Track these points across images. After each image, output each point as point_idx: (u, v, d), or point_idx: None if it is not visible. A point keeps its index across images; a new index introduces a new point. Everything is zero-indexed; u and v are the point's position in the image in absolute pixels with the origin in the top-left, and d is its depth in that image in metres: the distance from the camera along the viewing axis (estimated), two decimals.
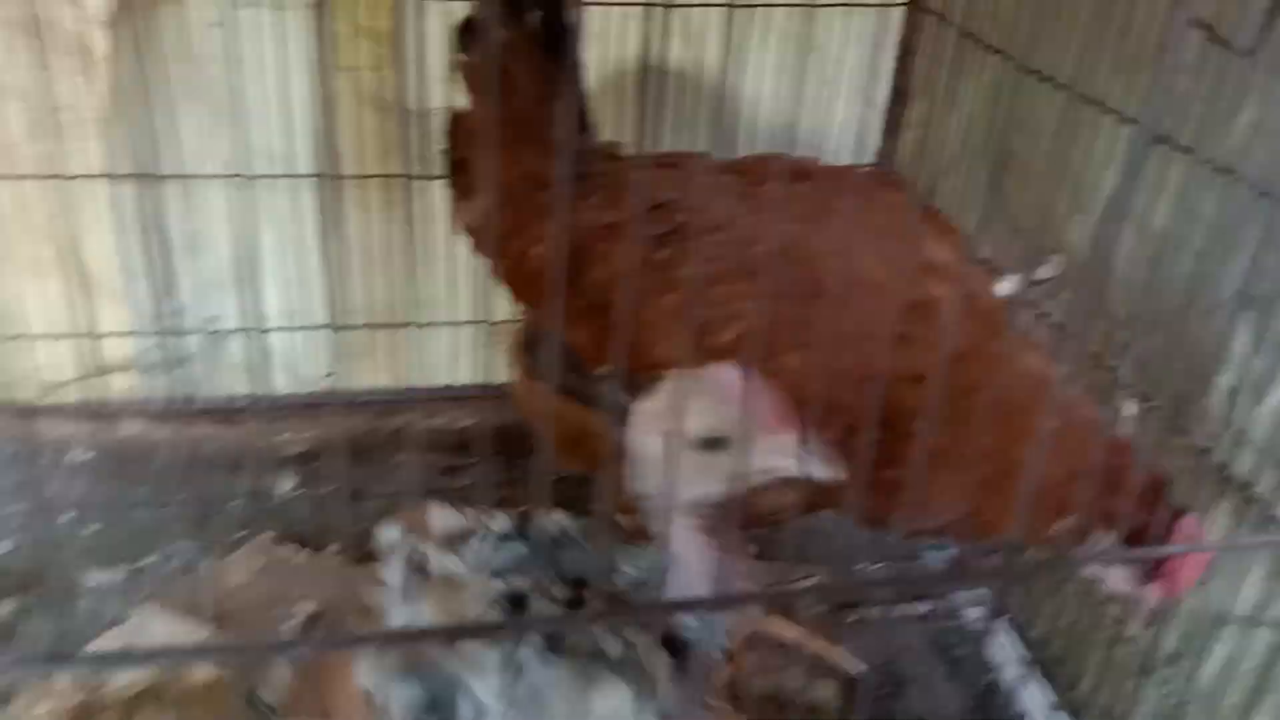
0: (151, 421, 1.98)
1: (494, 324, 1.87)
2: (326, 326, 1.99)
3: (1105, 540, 1.00)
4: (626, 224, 1.16)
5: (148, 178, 1.82)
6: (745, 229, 1.11)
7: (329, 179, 1.84)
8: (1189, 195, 1.26)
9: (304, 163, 1.88)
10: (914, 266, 1.09)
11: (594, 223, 1.18)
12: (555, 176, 1.21)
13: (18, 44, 1.75)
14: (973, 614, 1.72)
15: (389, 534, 1.20)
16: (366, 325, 1.98)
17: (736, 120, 1.96)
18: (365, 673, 0.93)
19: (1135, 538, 0.98)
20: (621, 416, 1.15)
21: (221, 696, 1.35)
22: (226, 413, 2.01)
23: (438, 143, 1.48)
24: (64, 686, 1.39)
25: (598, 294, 1.16)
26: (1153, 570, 1.00)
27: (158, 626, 1.52)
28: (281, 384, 2.05)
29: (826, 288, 1.05)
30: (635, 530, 1.31)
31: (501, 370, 2.01)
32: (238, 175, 1.83)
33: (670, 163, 1.27)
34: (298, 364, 2.04)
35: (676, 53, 1.91)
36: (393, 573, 1.17)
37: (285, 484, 1.92)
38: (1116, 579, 1.04)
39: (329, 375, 2.04)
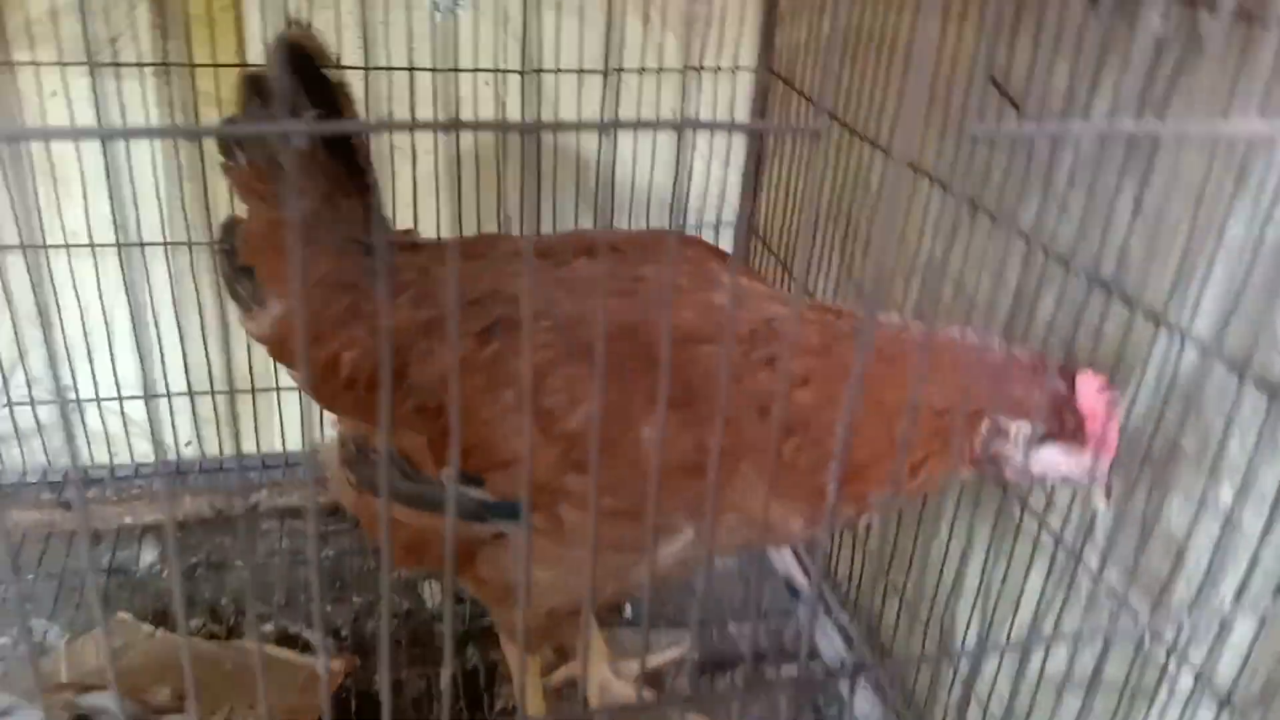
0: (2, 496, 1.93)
1: None
2: (182, 394, 1.96)
3: (1026, 432, 1.03)
4: (442, 320, 1.15)
5: None
6: (566, 312, 1.11)
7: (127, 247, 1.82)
8: (997, 260, 1.31)
9: (151, 232, 1.84)
10: (719, 304, 1.11)
11: (409, 322, 1.16)
12: (371, 277, 1.21)
13: None
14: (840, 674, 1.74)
15: None
16: (227, 391, 1.95)
17: (606, 184, 1.97)
18: None
19: (1053, 417, 1.02)
20: (471, 515, 1.13)
21: None
22: (85, 484, 1.96)
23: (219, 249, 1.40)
24: None
25: (425, 396, 1.14)
26: (1079, 437, 1.02)
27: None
28: (142, 452, 2.02)
29: (657, 353, 1.04)
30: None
31: None
32: (88, 245, 1.79)
33: (477, 251, 1.26)
34: (156, 432, 2.00)
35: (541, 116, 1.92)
36: None
37: (146, 557, 1.88)
38: (1055, 466, 1.05)
39: (188, 444, 2.01)
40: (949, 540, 1.48)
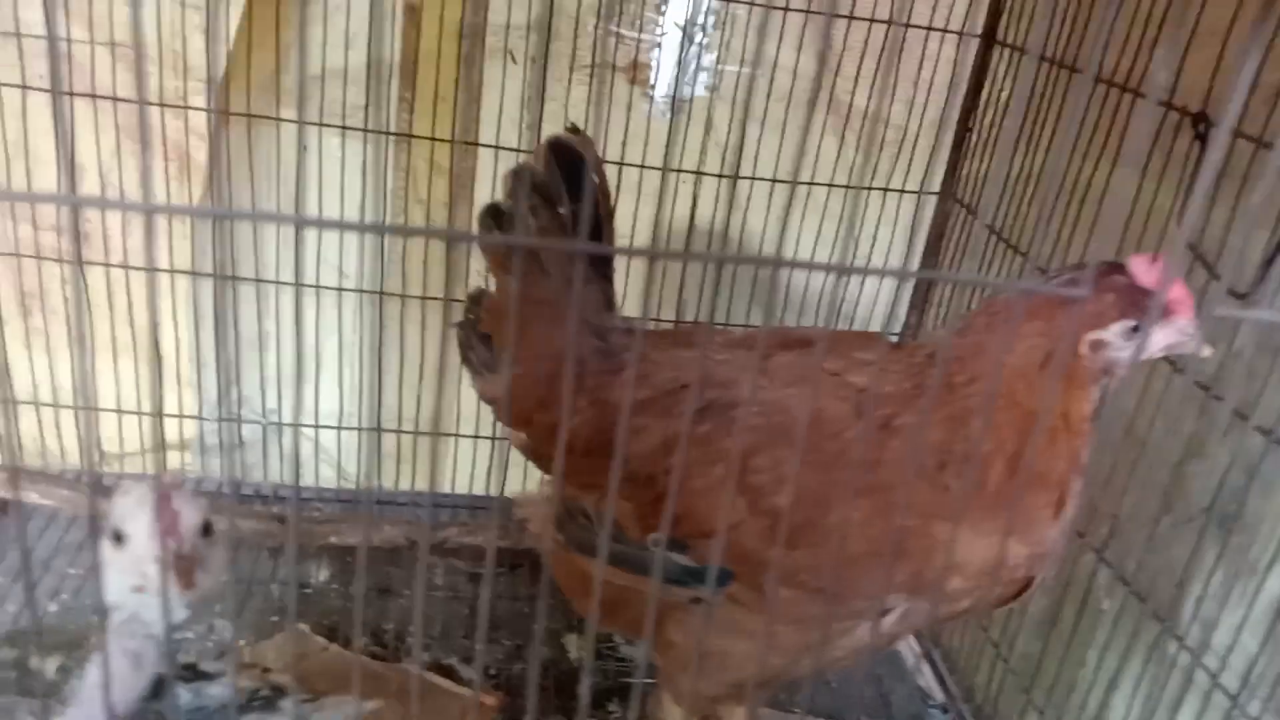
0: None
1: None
2: (371, 429, 2.13)
3: (1118, 331, 1.09)
4: (657, 401, 1.29)
5: (226, 278, 1.99)
6: (770, 399, 1.22)
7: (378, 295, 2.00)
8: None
9: (368, 279, 2.04)
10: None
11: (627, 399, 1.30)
12: (569, 354, 1.34)
13: (126, 147, 1.94)
14: None
15: None
16: (404, 431, 2.12)
17: (783, 290, 2.11)
18: None
19: (1134, 306, 1.08)
20: (672, 579, 1.24)
21: None
22: (273, 500, 2.14)
23: (457, 317, 1.54)
24: None
25: (639, 465, 1.26)
26: (1160, 310, 1.07)
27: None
28: (325, 478, 2.19)
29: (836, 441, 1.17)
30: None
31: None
32: (308, 284, 2.00)
33: (685, 340, 1.40)
34: (341, 460, 2.18)
35: (730, 220, 2.07)
36: None
37: (321, 574, 2.04)
38: (1156, 345, 1.11)
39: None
40: (1097, 668, 1.53)
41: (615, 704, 1.81)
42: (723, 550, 1.17)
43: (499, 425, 2.00)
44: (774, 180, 2.00)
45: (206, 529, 1.08)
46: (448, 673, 1.83)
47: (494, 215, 1.43)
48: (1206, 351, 1.12)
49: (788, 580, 1.13)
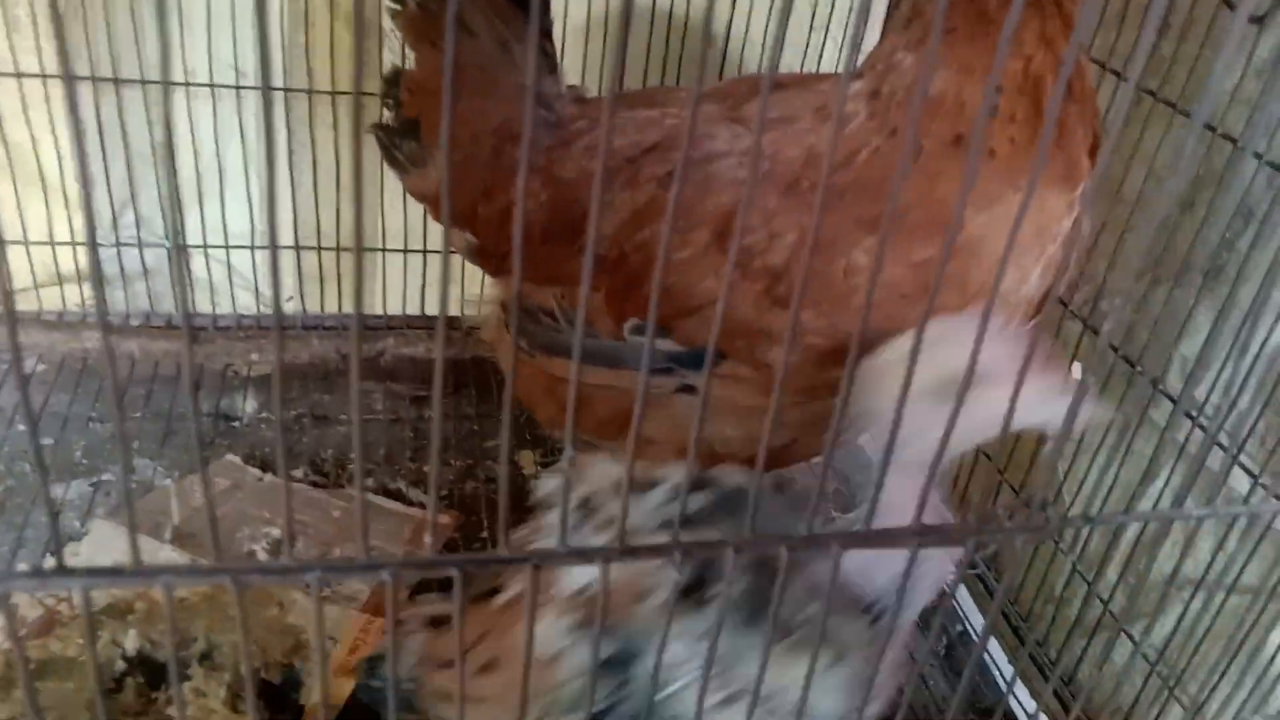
0: (114, 336, 1.93)
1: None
2: (290, 247, 1.95)
3: None
4: (620, 170, 1.13)
5: (104, 80, 1.75)
6: (748, 148, 1.06)
7: (269, 91, 1.79)
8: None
9: (274, 78, 1.82)
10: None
11: (583, 172, 1.13)
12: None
13: None
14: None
15: (548, 484, 1.02)
16: (330, 249, 1.94)
17: (721, 64, 1.93)
18: (544, 628, 0.84)
19: None
20: (655, 369, 1.10)
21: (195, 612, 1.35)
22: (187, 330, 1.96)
23: (383, 104, 1.32)
24: (22, 600, 1.38)
25: (607, 246, 1.11)
26: None
27: (118, 544, 1.51)
28: (244, 304, 2.01)
29: (849, 183, 1.01)
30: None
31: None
32: (205, 84, 1.77)
33: (644, 100, 1.22)
34: (259, 284, 2.00)
35: None
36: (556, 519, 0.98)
37: (249, 406, 1.90)
38: None
39: (289, 299, 2.00)
40: (1080, 442, 1.47)
41: None
42: (711, 325, 1.04)
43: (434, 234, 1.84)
44: None
45: None
46: (396, 496, 1.73)
47: None
48: None
49: (793, 344, 1.01)
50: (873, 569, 0.83)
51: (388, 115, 1.30)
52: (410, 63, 1.31)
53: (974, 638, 1.61)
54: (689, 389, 1.11)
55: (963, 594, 1.67)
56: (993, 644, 1.60)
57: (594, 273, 1.12)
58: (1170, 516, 0.70)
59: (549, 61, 1.23)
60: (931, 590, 0.87)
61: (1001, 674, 1.57)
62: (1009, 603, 1.61)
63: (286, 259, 1.96)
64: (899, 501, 0.69)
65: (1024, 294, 1.03)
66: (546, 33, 1.23)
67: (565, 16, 1.78)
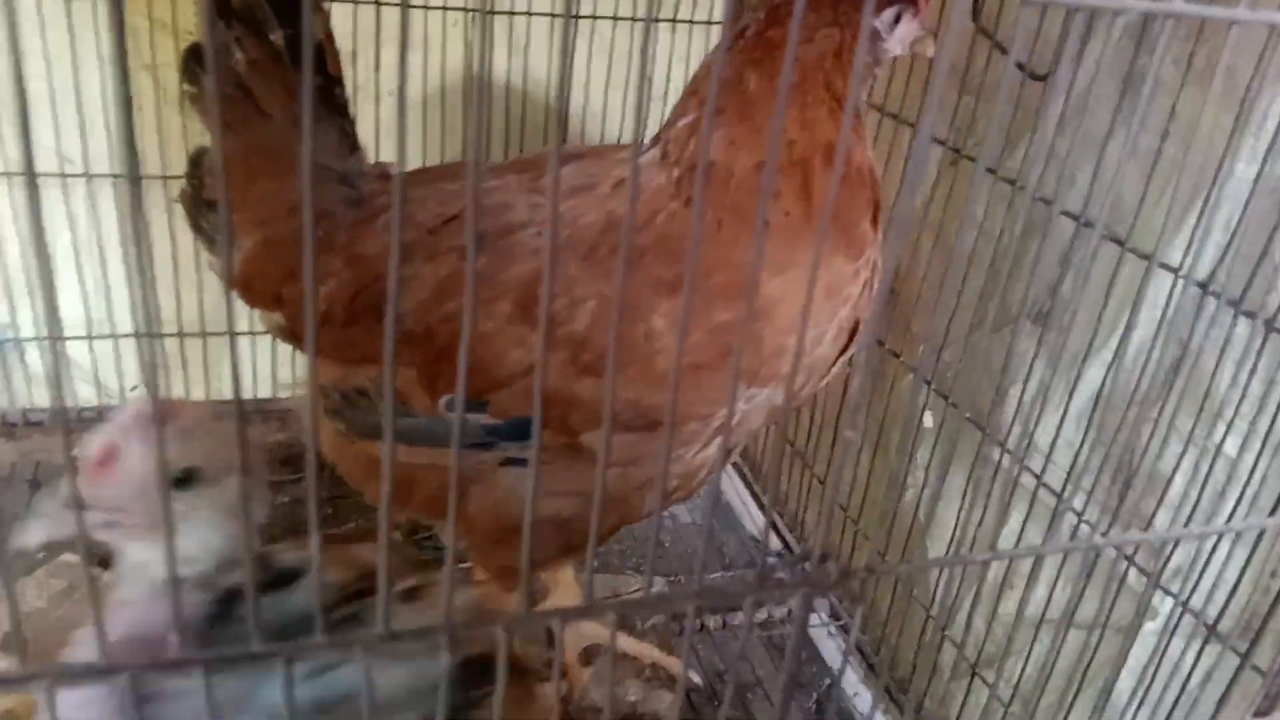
0: None
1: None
2: (132, 335, 1.88)
3: (888, 20, 1.08)
4: (421, 244, 1.11)
5: None
6: (548, 217, 1.07)
7: (126, 180, 1.74)
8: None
9: (100, 163, 1.76)
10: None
11: (389, 247, 1.11)
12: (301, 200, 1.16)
13: None
14: (811, 620, 1.75)
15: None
16: (176, 335, 1.88)
17: (569, 134, 1.94)
18: None
19: None
20: (475, 444, 1.08)
21: None
22: (24, 426, 1.87)
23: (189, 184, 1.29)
24: None
25: (414, 321, 1.09)
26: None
27: None
28: (85, 396, 1.93)
29: (648, 246, 1.03)
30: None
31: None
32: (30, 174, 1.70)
33: (447, 174, 1.22)
34: (102, 375, 1.92)
35: (503, 63, 1.88)
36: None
37: None
38: (910, 34, 1.10)
39: (134, 388, 1.93)
40: (923, 487, 1.50)
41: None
42: (524, 396, 1.03)
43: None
44: (552, 15, 1.82)
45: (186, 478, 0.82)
46: None
47: (196, 57, 1.19)
48: (929, 49, 1.11)
49: (599, 419, 1.00)
50: None
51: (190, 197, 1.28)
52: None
53: (843, 692, 1.61)
54: (515, 462, 1.10)
55: (829, 649, 1.67)
56: (863, 692, 1.60)
57: (404, 349, 1.10)
58: (962, 560, 0.70)
59: (349, 140, 1.22)
60: None
61: None
62: (873, 651, 1.62)
63: (127, 347, 1.89)
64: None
65: (818, 355, 1.05)
66: (343, 111, 1.22)
67: (403, 91, 1.77)
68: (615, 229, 1.00)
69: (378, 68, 1.76)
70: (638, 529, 1.87)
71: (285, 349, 1.91)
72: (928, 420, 1.53)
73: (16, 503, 1.76)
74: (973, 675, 1.39)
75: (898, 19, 1.07)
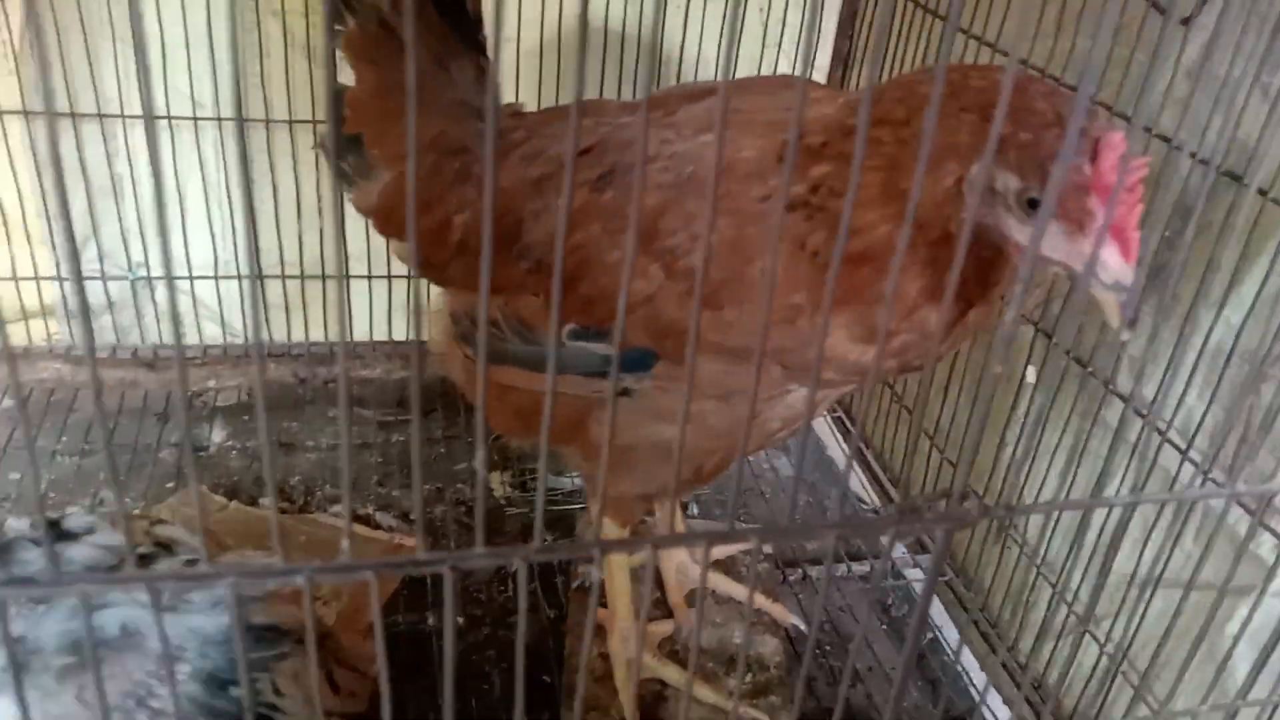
0: (73, 368, 1.93)
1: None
2: (249, 277, 1.95)
3: (1013, 188, 0.83)
4: (553, 176, 1.13)
5: (64, 116, 1.76)
6: (678, 151, 1.06)
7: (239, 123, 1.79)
8: None
9: (231, 108, 1.83)
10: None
11: (519, 180, 1.13)
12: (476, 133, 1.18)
13: None
14: (912, 574, 1.76)
15: None
16: (292, 276, 1.94)
17: (675, 81, 1.95)
18: None
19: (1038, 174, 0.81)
20: (594, 372, 1.11)
21: None
22: (151, 362, 1.97)
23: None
24: None
25: (543, 252, 1.11)
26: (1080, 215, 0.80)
27: None
28: (211, 335, 2.01)
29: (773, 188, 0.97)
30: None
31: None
32: (162, 117, 1.78)
33: (583, 111, 1.23)
34: (224, 314, 2.00)
35: (611, 9, 1.89)
36: None
37: (216, 435, 1.90)
38: (1052, 246, 0.82)
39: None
40: (1031, 440, 1.47)
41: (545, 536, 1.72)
42: (642, 326, 1.05)
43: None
44: None
45: None
46: (365, 521, 1.73)
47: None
48: (1115, 320, 0.81)
49: (713, 347, 1.01)
50: None
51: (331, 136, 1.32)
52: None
53: (944, 645, 1.60)
54: (626, 393, 1.12)
55: (934, 603, 1.67)
56: (964, 651, 1.60)
57: (533, 279, 1.12)
58: (1091, 504, 0.70)
59: (484, 77, 1.24)
60: None
61: (972, 682, 1.57)
62: (979, 609, 1.61)
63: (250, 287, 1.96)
64: None
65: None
66: (482, 49, 1.25)
67: (519, 40, 1.80)
68: (738, 169, 1.00)
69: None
70: (740, 479, 1.89)
71: (401, 292, 1.97)
72: (1030, 375, 1.51)
73: (148, 433, 1.87)
74: (1083, 633, 1.38)
75: (1032, 202, 0.83)
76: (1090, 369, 1.34)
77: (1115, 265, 0.79)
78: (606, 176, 1.07)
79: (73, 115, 1.77)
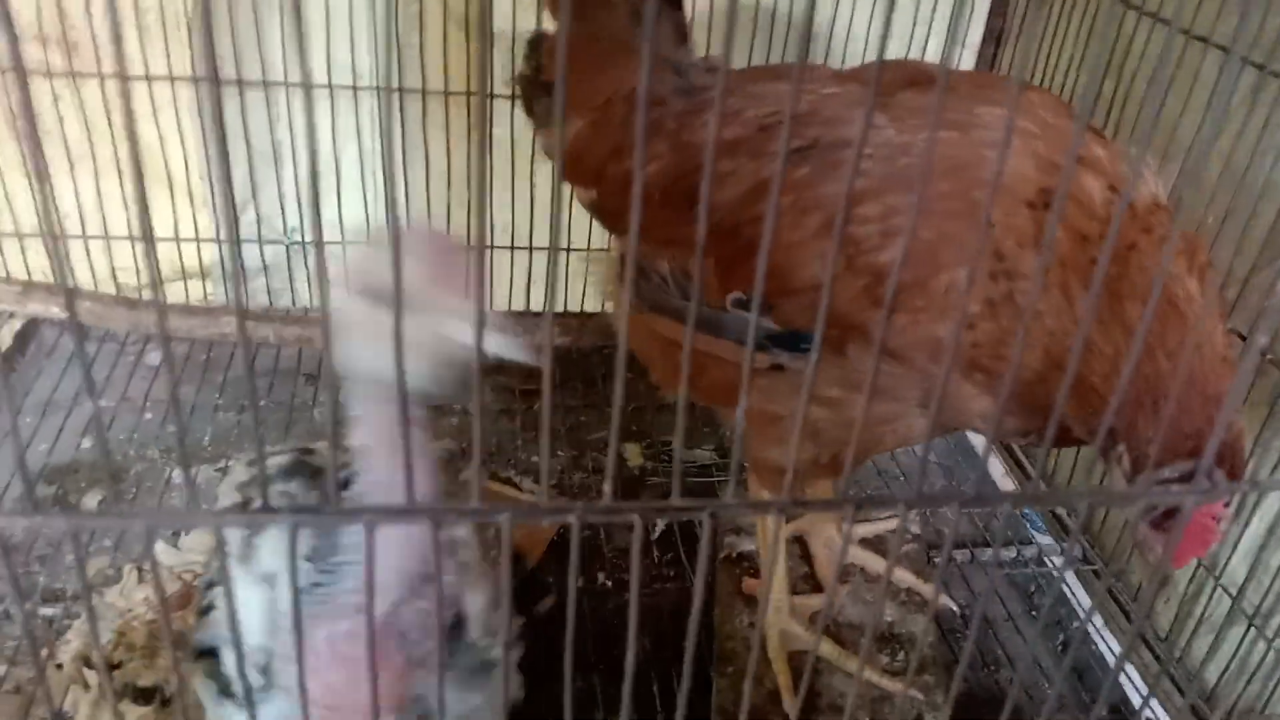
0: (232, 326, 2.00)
1: (571, 251, 1.91)
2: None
3: (1126, 468, 0.87)
4: (749, 140, 1.12)
5: (229, 83, 1.82)
6: (888, 140, 1.04)
7: (390, 92, 1.84)
8: None
9: (383, 76, 1.87)
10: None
11: (713, 139, 1.14)
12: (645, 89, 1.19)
13: None
14: (1055, 560, 1.73)
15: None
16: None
17: (823, 57, 1.93)
18: None
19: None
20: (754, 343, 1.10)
21: None
22: (305, 323, 2.03)
23: (518, 66, 1.39)
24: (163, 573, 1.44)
25: (724, 215, 1.10)
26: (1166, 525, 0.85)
27: None
28: None
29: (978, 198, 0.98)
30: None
31: (574, 298, 2.04)
32: (324, 85, 1.83)
33: (781, 75, 1.22)
34: None
35: None
36: None
37: None
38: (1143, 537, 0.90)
39: None
40: None
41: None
42: (810, 310, 1.04)
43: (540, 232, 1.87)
44: None
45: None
46: (508, 484, 1.77)
47: None
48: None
49: (879, 347, 1.01)
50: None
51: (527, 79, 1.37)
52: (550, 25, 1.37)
53: (1090, 635, 1.57)
54: (778, 368, 1.12)
55: (1077, 587, 1.64)
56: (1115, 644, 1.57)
57: (709, 240, 1.11)
58: None
59: (680, 32, 1.26)
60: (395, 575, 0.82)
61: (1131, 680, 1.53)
62: (1129, 599, 1.58)
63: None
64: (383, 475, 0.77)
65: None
66: (678, 4, 1.27)
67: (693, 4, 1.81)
68: (951, 176, 0.99)
69: None
70: (880, 462, 1.89)
71: (540, 264, 2.00)
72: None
73: (302, 392, 1.93)
74: (1249, 626, 1.34)
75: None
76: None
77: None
78: (804, 151, 1.06)
79: (239, 82, 1.83)
